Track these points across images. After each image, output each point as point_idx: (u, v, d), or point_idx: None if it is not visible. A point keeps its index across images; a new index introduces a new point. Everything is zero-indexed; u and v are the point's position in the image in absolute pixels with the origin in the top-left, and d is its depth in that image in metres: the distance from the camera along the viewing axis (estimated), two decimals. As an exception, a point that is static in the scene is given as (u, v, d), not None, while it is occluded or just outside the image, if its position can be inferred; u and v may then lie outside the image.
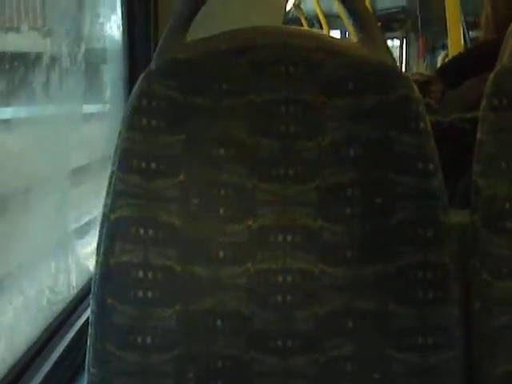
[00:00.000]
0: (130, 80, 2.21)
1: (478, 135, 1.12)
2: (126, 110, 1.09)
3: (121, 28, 2.20)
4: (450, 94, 1.67)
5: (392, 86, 1.08)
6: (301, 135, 1.09)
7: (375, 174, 1.09)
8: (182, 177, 1.08)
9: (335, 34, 11.29)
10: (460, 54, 1.80)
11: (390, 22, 11.63)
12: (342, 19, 8.69)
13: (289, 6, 8.74)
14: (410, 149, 1.08)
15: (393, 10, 11.48)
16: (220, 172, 1.09)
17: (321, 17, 9.67)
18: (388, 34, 11.48)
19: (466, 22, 5.65)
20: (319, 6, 9.54)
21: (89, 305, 1.62)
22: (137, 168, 1.08)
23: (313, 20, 10.39)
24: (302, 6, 10.50)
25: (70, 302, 1.68)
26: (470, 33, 6.15)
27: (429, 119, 1.10)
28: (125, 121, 1.09)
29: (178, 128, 1.08)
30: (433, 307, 1.09)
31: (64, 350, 1.47)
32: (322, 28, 9.79)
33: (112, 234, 1.08)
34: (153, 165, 1.08)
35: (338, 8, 8.20)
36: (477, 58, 1.63)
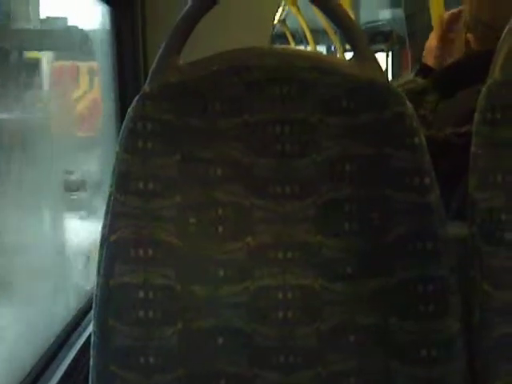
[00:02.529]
0: (121, 101, 2.21)
1: (473, 149, 1.13)
2: (121, 132, 1.10)
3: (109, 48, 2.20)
4: (443, 105, 1.68)
5: (385, 103, 1.09)
6: (296, 153, 1.10)
7: (372, 190, 1.10)
8: (178, 197, 1.09)
9: (321, 49, 11.31)
10: (454, 62, 1.82)
11: (375, 36, 11.65)
12: (328, 35, 8.72)
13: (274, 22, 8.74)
14: (405, 164, 1.09)
15: (378, 23, 11.52)
16: (217, 191, 1.10)
17: (306, 32, 9.68)
18: (373, 47, 11.47)
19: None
20: (304, 21, 9.55)
21: (87, 325, 1.63)
22: (134, 189, 1.09)
23: (300, 35, 10.39)
24: (287, 21, 10.52)
25: (69, 323, 1.67)
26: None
27: (423, 133, 1.11)
28: (121, 143, 1.09)
29: (174, 149, 1.09)
30: (434, 320, 1.10)
31: (65, 372, 1.47)
32: (308, 43, 9.81)
33: (111, 256, 1.09)
34: (150, 186, 1.09)
35: (324, 24, 8.23)
36: (470, 69, 1.65)
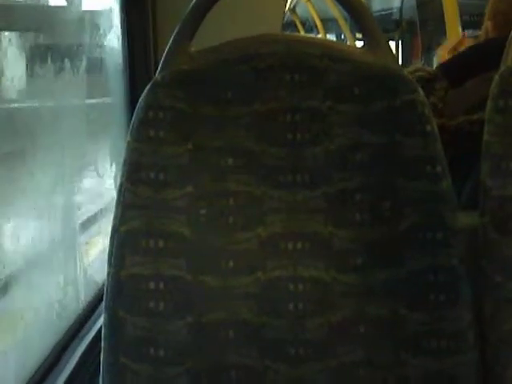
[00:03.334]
0: (131, 90, 2.20)
1: (485, 136, 1.12)
2: (132, 122, 1.09)
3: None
4: (453, 93, 1.67)
5: (398, 90, 1.08)
6: (307, 142, 1.09)
7: (383, 179, 1.09)
8: (190, 187, 1.08)
9: (331, 37, 11.29)
10: (464, 51, 1.82)
11: (386, 24, 11.63)
12: (338, 23, 8.70)
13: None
14: (417, 152, 1.08)
15: (389, 11, 11.51)
16: (228, 181, 1.09)
17: (317, 21, 9.66)
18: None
19: (462, 21, 5.67)
20: (315, 9, 9.53)
21: (97, 319, 1.63)
22: (145, 179, 1.08)
23: (310, 24, 10.38)
24: (297, 9, 10.50)
25: (80, 315, 1.67)
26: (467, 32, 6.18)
27: (435, 122, 1.10)
28: (132, 132, 1.09)
29: (186, 138, 1.09)
30: (444, 310, 1.09)
31: (76, 364, 1.46)
32: (318, 32, 9.80)
33: (122, 246, 1.08)
34: (161, 176, 1.08)
35: (334, 12, 8.21)
36: (481, 56, 1.64)
